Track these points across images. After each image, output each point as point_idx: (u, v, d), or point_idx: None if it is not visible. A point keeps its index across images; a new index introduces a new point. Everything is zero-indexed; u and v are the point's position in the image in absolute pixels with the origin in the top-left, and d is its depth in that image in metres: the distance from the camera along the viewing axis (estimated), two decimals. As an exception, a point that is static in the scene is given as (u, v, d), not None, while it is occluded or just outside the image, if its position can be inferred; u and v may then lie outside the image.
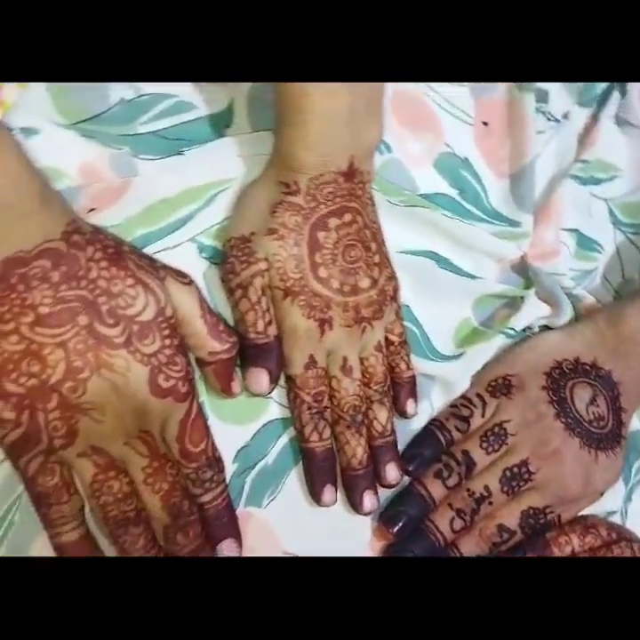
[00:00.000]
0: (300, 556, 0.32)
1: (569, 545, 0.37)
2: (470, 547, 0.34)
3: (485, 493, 0.34)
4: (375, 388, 0.33)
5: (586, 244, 0.42)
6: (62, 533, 0.26)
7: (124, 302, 0.26)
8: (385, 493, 0.34)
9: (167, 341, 0.27)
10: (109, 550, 0.28)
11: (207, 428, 0.29)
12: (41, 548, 0.27)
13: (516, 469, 0.35)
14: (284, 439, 0.32)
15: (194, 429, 0.28)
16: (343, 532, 0.33)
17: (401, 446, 0.35)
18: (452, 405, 0.36)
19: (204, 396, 0.31)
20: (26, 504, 0.27)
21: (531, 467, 0.34)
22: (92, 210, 0.29)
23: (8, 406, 0.25)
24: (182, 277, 0.29)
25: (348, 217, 0.31)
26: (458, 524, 0.34)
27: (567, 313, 0.39)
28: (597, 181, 0.43)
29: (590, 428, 0.36)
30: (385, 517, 0.34)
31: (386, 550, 0.34)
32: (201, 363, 0.30)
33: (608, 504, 0.39)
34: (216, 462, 0.29)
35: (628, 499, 0.41)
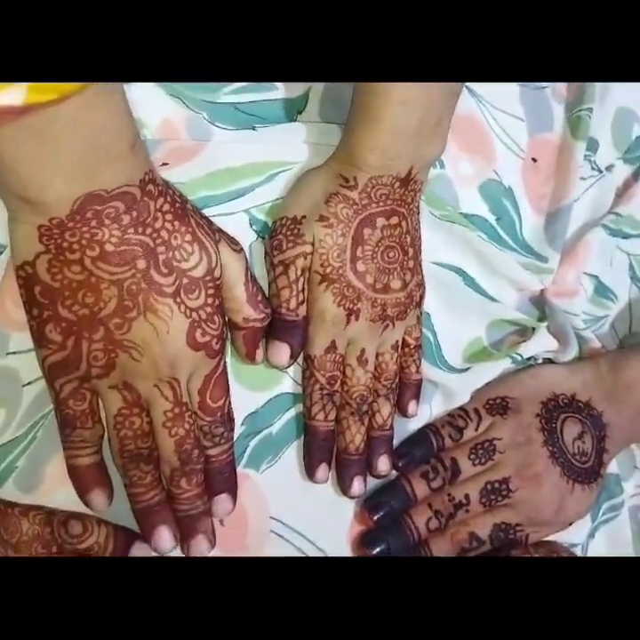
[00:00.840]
0: (283, 522, 0.34)
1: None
2: (440, 547, 0.36)
3: (464, 501, 0.36)
4: (384, 383, 0.35)
5: (602, 291, 0.44)
6: (79, 456, 0.28)
7: (180, 256, 0.28)
8: (372, 483, 0.36)
9: (210, 300, 0.29)
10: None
11: (227, 389, 0.31)
12: (55, 467, 0.29)
13: (497, 485, 0.37)
14: (291, 413, 0.34)
15: (216, 386, 0.30)
16: (327, 509, 0.35)
17: (396, 442, 0.37)
18: (450, 415, 0.39)
19: (228, 358, 0.33)
20: (50, 424, 0.29)
21: (511, 485, 0.37)
22: (164, 164, 0.31)
23: (57, 329, 0.26)
24: (234, 244, 0.31)
25: (394, 220, 0.33)
26: (433, 523, 0.36)
27: (573, 351, 0.41)
28: (626, 236, 0.45)
29: (573, 460, 0.38)
30: (369, 504, 0.36)
31: (361, 537, 0.36)
32: (233, 326, 0.32)
33: (572, 536, 0.41)
34: (228, 421, 0.31)
35: (592, 535, 0.43)
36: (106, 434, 0.29)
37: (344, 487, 0.35)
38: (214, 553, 0.32)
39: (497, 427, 0.38)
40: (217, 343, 0.29)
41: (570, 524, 0.39)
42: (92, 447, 0.28)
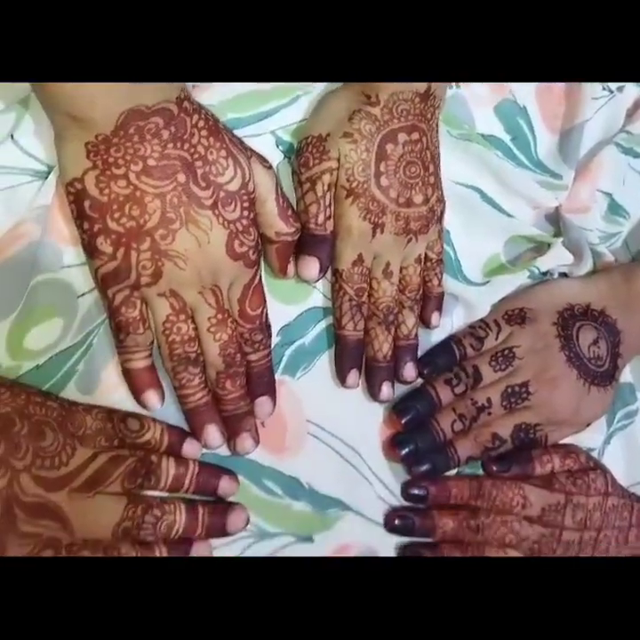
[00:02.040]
0: (319, 424, 0.36)
1: (550, 463, 0.41)
2: (465, 448, 0.39)
3: (486, 404, 0.39)
4: (408, 295, 0.37)
5: (615, 208, 0.46)
6: (132, 360, 0.31)
7: (216, 170, 0.30)
8: (400, 390, 0.38)
9: (245, 213, 0.31)
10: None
11: (264, 298, 0.33)
12: (110, 371, 0.31)
13: (516, 388, 0.39)
14: (322, 325, 0.37)
15: (254, 295, 0.32)
16: (359, 414, 0.38)
17: (420, 353, 0.39)
18: (471, 326, 0.41)
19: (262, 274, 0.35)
20: (104, 332, 0.31)
21: (530, 388, 0.39)
22: (194, 86, 0.33)
23: (107, 241, 0.29)
24: (264, 161, 0.32)
25: (415, 135, 0.34)
26: (458, 426, 0.39)
27: (588, 264, 0.43)
28: (636, 155, 0.46)
29: (589, 364, 0.40)
30: (397, 408, 0.38)
31: (391, 439, 0.38)
32: (266, 241, 0.33)
33: (589, 441, 0.44)
34: (266, 329, 0.34)
35: (607, 441, 0.45)
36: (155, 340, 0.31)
37: (373, 392, 0.37)
38: (257, 453, 0.34)
39: (515, 335, 0.40)
40: (253, 254, 0.31)
41: (587, 425, 0.42)
42: (144, 351, 0.31)
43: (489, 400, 0.39)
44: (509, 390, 0.39)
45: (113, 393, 0.31)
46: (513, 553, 0.40)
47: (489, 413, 0.39)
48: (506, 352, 0.40)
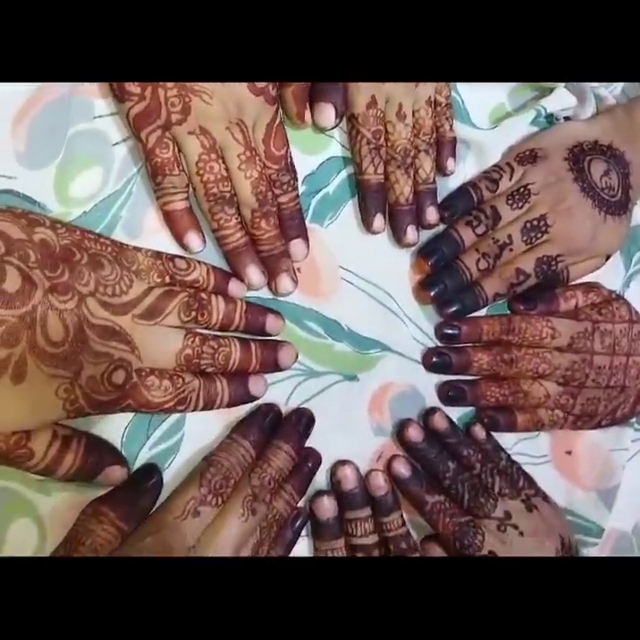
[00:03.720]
0: (351, 270, 0.38)
1: (574, 298, 0.43)
2: (491, 285, 0.40)
3: (508, 241, 0.40)
4: (423, 138, 0.39)
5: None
6: (172, 201, 0.32)
7: None
8: (423, 237, 0.40)
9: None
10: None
11: (287, 139, 0.35)
12: (152, 217, 0.33)
13: (535, 222, 0.40)
14: (343, 174, 0.38)
15: (277, 135, 0.34)
16: (388, 260, 0.39)
17: (439, 200, 0.41)
18: (485, 171, 0.42)
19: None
20: (142, 180, 0.32)
21: (548, 220, 0.40)
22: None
23: (135, 82, 0.30)
24: None
25: None
26: (483, 264, 0.40)
27: (590, 107, 0.44)
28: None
29: (602, 193, 0.41)
30: (423, 252, 0.40)
31: (421, 283, 0.40)
32: (282, 85, 0.35)
33: (609, 282, 0.45)
34: (292, 170, 0.35)
35: (627, 285, 0.47)
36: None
37: (399, 236, 0.39)
38: (296, 297, 0.36)
39: (529, 174, 0.41)
40: (273, 89, 0.33)
41: (606, 259, 0.43)
42: (182, 193, 0.32)
43: (510, 237, 0.40)
44: (528, 225, 0.41)
45: (156, 238, 0.33)
46: (547, 384, 0.42)
47: (511, 250, 0.41)
48: (521, 190, 0.41)
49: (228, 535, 0.31)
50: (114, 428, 0.32)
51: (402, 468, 0.38)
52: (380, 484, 0.37)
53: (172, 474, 0.33)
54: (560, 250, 0.41)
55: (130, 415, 0.32)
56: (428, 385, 0.40)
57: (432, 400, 0.40)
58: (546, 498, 0.41)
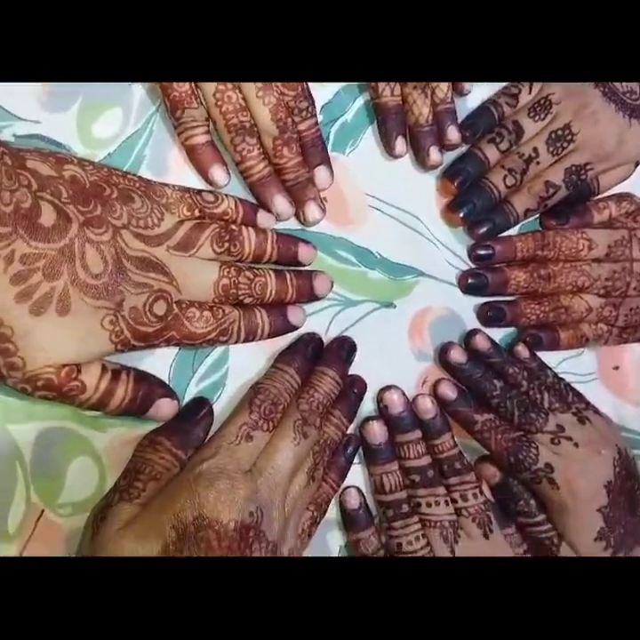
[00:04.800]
0: (378, 197, 0.38)
1: (607, 209, 0.42)
2: (521, 201, 0.40)
3: (534, 154, 0.40)
4: (437, 56, 0.38)
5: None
6: (194, 135, 0.32)
7: None
8: (447, 159, 0.39)
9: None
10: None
11: (302, 67, 0.34)
12: (176, 155, 0.33)
13: (560, 132, 0.40)
14: (360, 100, 0.38)
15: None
16: (414, 184, 0.39)
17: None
18: (503, 87, 0.41)
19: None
20: (162, 118, 0.33)
21: (573, 128, 0.39)
22: None
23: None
24: None
25: None
26: (510, 180, 0.39)
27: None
28: None
29: (624, 97, 0.40)
30: (448, 173, 0.39)
31: (449, 205, 0.39)
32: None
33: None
34: (309, 96, 0.35)
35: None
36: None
37: (423, 158, 0.38)
38: (325, 226, 0.36)
39: (548, 85, 0.40)
40: None
41: (636, 166, 0.42)
42: (203, 126, 0.32)
43: (535, 150, 0.40)
44: (553, 136, 0.40)
45: (181, 175, 0.33)
46: (588, 297, 0.41)
47: (538, 163, 0.40)
48: (542, 101, 0.40)
49: (283, 458, 0.31)
50: (160, 364, 0.32)
51: (448, 391, 0.37)
52: (427, 407, 0.37)
53: (220, 408, 0.33)
54: (588, 157, 0.40)
55: (174, 352, 0.33)
56: (466, 308, 0.40)
57: (472, 323, 0.40)
58: (597, 411, 0.40)
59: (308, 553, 0.33)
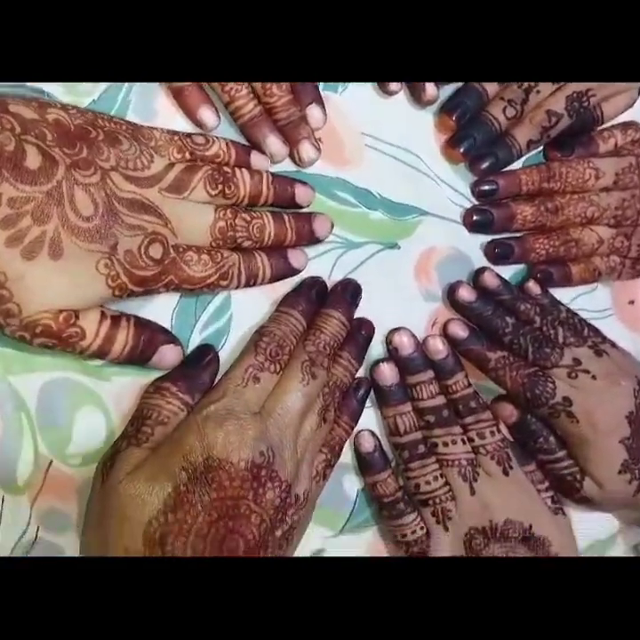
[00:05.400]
0: (375, 136, 0.37)
1: (612, 137, 0.41)
2: (523, 132, 0.38)
3: (533, 83, 0.38)
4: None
5: None
6: (180, 77, 0.31)
7: None
8: (444, 94, 0.38)
9: None
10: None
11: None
12: (164, 101, 0.32)
13: (560, 57, 0.38)
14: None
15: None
16: (409, 120, 0.37)
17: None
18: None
19: None
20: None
21: None
22: None
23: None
24: None
25: None
26: (510, 111, 0.38)
27: None
28: None
29: None
30: (446, 107, 0.38)
31: (449, 141, 0.38)
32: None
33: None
34: None
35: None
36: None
37: (418, 94, 0.37)
38: (322, 167, 0.35)
39: None
40: None
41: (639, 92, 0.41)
42: None
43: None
44: (553, 62, 0.38)
45: (170, 120, 0.32)
46: (598, 228, 0.40)
47: (537, 91, 0.38)
48: None
49: (292, 399, 0.30)
50: (162, 312, 0.31)
51: (459, 330, 0.36)
52: (438, 347, 0.36)
53: (225, 355, 0.33)
54: (589, 83, 0.39)
55: (175, 300, 0.32)
56: (473, 247, 0.39)
57: (479, 261, 0.39)
58: (614, 345, 0.39)
59: (324, 496, 0.33)
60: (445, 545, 0.33)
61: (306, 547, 0.34)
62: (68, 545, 0.30)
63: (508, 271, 0.39)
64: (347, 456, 0.35)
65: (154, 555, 0.26)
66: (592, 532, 0.39)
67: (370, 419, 0.36)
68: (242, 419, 0.29)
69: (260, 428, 0.29)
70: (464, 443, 0.35)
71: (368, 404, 0.36)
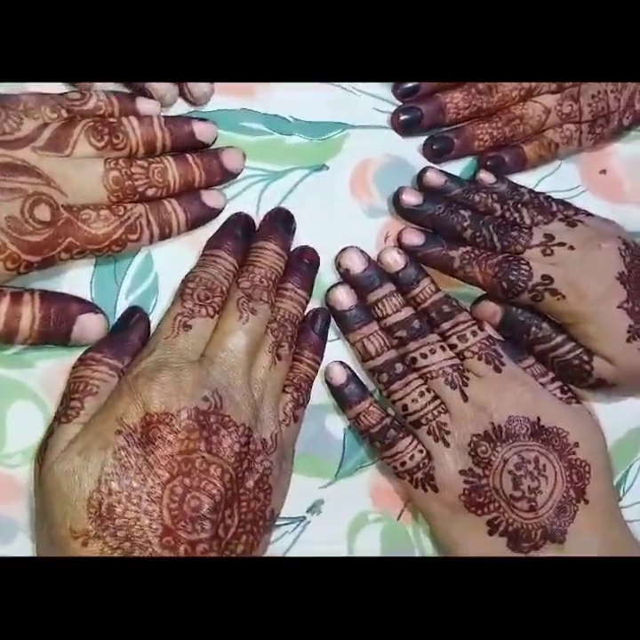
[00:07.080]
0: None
1: None
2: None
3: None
4: None
5: None
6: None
7: None
8: None
9: None
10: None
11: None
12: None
13: None
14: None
15: None
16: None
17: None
18: None
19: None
20: None
21: None
22: None
23: None
24: None
25: None
26: None
27: None
28: None
29: None
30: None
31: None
32: None
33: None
34: None
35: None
36: None
37: None
38: (221, 102, 0.32)
39: None
40: None
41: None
42: None
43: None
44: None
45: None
46: (541, 97, 0.36)
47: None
48: None
49: (232, 339, 0.27)
50: (78, 283, 0.29)
51: (413, 237, 0.33)
52: (394, 257, 0.33)
53: (158, 316, 0.30)
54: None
55: (90, 269, 0.29)
56: (409, 150, 0.35)
57: (421, 164, 0.35)
58: (589, 214, 0.35)
59: (309, 442, 0.30)
60: (450, 462, 0.30)
61: (302, 502, 0.31)
62: (22, 552, 0.27)
63: (457, 170, 0.36)
64: (323, 395, 0.32)
65: (105, 531, 0.23)
66: (625, 420, 0.36)
67: (340, 353, 0.32)
68: (176, 368, 0.26)
69: (200, 374, 0.26)
70: (444, 349, 0.31)
71: (334, 336, 0.33)
